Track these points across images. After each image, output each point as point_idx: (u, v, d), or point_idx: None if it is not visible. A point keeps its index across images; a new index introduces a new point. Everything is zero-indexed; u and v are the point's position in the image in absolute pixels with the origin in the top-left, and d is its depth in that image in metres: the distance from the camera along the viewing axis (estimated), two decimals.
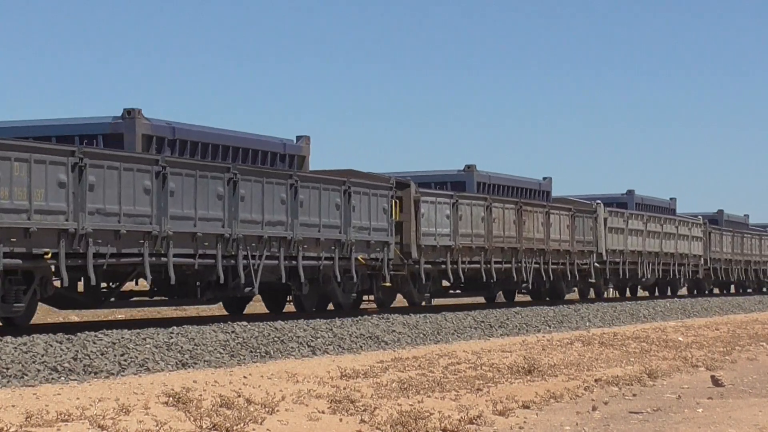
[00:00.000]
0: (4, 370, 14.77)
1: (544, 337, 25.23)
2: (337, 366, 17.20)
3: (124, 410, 12.14)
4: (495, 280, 30.51)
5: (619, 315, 33.76)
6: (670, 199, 48.80)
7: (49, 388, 13.84)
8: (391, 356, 19.40)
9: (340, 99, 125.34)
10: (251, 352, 18.69)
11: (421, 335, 23.44)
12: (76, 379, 14.93)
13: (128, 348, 17.03)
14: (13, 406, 12.09)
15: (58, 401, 12.51)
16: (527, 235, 31.89)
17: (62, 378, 14.99)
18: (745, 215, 59.09)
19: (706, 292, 51.08)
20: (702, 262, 46.09)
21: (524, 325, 27.82)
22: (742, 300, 47.34)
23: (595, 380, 17.45)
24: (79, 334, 17.59)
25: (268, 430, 12.09)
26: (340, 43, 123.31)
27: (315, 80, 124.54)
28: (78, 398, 12.76)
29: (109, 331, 18.24)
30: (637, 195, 45.59)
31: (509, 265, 30.99)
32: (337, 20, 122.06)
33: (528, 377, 17.29)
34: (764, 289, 57.27)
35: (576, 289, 38.33)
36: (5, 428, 11.03)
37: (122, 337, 17.62)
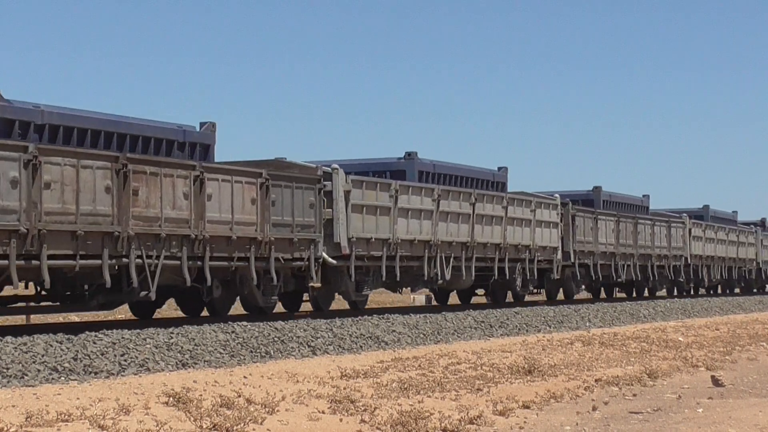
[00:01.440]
0: (5, 370, 14.77)
1: (544, 337, 25.24)
2: (337, 366, 17.21)
3: (124, 410, 12.14)
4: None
5: (619, 315, 33.77)
6: (643, 196, 47.62)
7: (49, 388, 13.85)
8: (392, 356, 19.41)
9: (252, 87, 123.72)
10: (251, 352, 18.70)
11: (422, 335, 23.45)
12: (76, 379, 14.94)
13: (128, 348, 17.03)
14: (13, 406, 12.10)
15: (59, 401, 12.52)
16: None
17: (62, 378, 14.99)
18: (733, 211, 58.39)
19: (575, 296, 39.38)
20: (558, 256, 35.02)
21: (524, 325, 27.82)
22: (742, 300, 47.33)
23: (596, 380, 17.46)
24: (79, 334, 17.59)
25: (268, 430, 12.09)
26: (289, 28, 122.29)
27: (223, 69, 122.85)
28: (78, 398, 12.77)
29: (110, 331, 18.23)
30: (605, 191, 44.14)
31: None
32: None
33: (528, 377, 17.29)
34: (682, 293, 49.53)
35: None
36: (5, 428, 11.04)
37: (122, 337, 17.62)
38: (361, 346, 20.97)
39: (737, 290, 55.22)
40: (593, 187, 42.19)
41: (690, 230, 46.08)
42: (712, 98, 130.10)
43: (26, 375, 14.79)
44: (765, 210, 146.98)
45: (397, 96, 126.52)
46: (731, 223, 54.74)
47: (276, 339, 19.86)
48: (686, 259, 45.67)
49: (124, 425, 11.45)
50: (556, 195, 35.59)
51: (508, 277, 31.46)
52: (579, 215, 36.09)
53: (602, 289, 43.67)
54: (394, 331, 23.13)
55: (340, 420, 12.88)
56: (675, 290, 49.04)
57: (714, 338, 26.81)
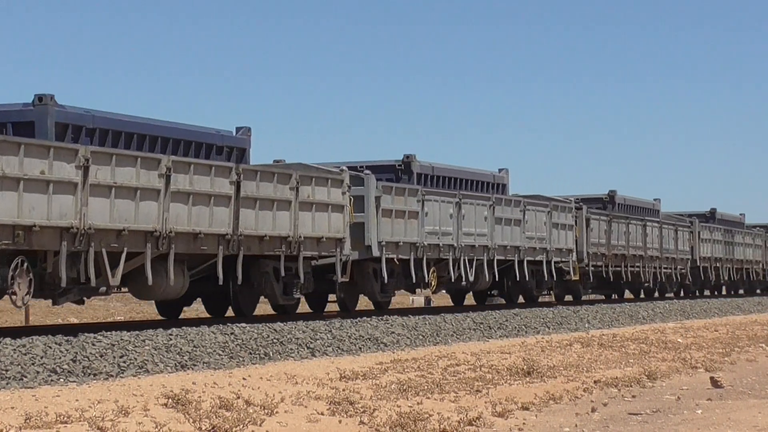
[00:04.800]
0: (4, 372, 14.77)
1: (543, 338, 25.24)
2: (336, 367, 17.21)
3: (123, 412, 12.14)
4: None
5: (618, 316, 33.77)
6: (654, 200, 47.95)
7: (48, 389, 13.85)
8: (391, 358, 19.41)
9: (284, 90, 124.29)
10: (250, 353, 18.70)
11: (420, 337, 23.45)
12: (75, 381, 14.94)
13: (127, 350, 17.03)
14: (12, 407, 12.10)
15: (58, 403, 12.51)
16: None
17: (61, 380, 14.99)
18: (741, 214, 58.43)
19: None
20: (573, 258, 35.22)
21: (523, 327, 27.83)
22: (741, 301, 47.34)
23: (595, 382, 17.45)
24: (78, 335, 17.59)
25: (267, 431, 12.09)
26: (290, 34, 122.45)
27: (259, 72, 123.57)
28: (77, 400, 12.77)
29: (108, 332, 18.23)
30: (619, 195, 44.75)
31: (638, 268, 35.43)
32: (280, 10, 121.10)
33: (527, 379, 17.30)
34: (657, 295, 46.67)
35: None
36: (5, 430, 11.04)
37: (121, 339, 17.62)
38: (360, 348, 20.97)
39: (741, 291, 55.50)
40: (609, 190, 43.18)
41: (699, 233, 46.94)
42: (719, 103, 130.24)
43: (25, 377, 14.80)
44: None
45: (397, 100, 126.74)
46: (739, 225, 55.41)
47: (275, 341, 19.86)
48: (695, 261, 46.54)
49: (123, 427, 11.44)
50: (571, 198, 36.72)
51: (527, 279, 32.34)
52: (594, 218, 37.13)
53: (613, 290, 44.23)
54: (393, 332, 23.13)
55: (339, 421, 12.88)
56: (682, 292, 49.28)
57: (713, 339, 26.81)
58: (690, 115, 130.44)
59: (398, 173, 29.55)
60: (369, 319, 24.35)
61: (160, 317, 24.87)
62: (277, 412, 12.91)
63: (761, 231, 56.35)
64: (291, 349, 19.66)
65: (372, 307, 28.30)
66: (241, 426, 11.86)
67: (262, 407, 12.98)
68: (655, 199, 46.62)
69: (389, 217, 26.19)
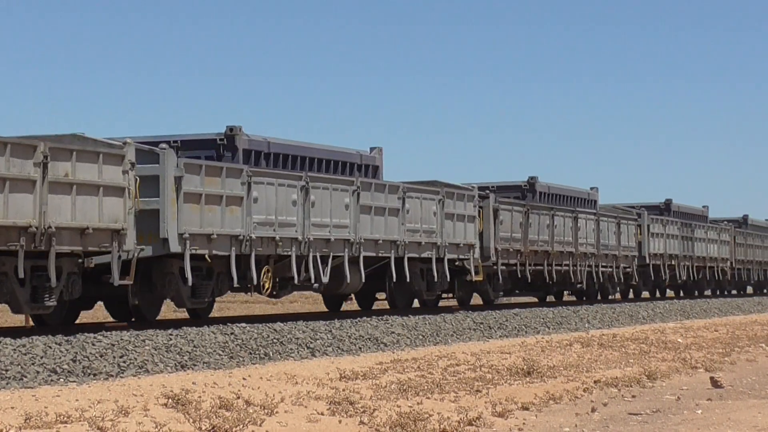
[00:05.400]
0: (3, 372, 14.77)
1: (543, 338, 25.24)
2: (336, 367, 17.21)
3: (123, 412, 12.14)
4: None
5: (618, 316, 33.77)
6: (703, 207, 48.38)
7: (48, 389, 13.85)
8: (391, 358, 19.42)
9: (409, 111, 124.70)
10: (250, 353, 18.70)
11: (420, 337, 23.45)
12: (75, 381, 14.94)
13: (127, 350, 17.03)
14: (12, 407, 12.10)
15: (58, 403, 12.52)
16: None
17: (61, 380, 14.99)
18: (704, 206, 55.38)
19: None
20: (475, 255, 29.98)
21: (523, 327, 27.83)
22: (741, 301, 47.34)
23: (594, 382, 17.45)
24: (78, 335, 17.59)
25: (267, 431, 12.09)
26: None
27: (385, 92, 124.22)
28: (77, 400, 12.77)
29: (108, 332, 18.24)
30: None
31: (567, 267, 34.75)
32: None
33: (527, 379, 17.30)
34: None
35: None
36: (5, 430, 11.04)
37: (121, 339, 17.63)
38: (360, 348, 20.97)
39: (707, 292, 50.32)
40: (529, 177, 36.49)
41: (648, 227, 40.89)
42: (717, 101, 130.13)
43: (25, 377, 14.79)
44: None
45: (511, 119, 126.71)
46: (700, 219, 49.35)
47: (275, 340, 19.86)
48: (644, 258, 40.68)
49: (123, 427, 11.44)
50: (475, 185, 31.02)
51: (409, 280, 26.81)
52: (504, 208, 31.39)
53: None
54: (393, 332, 23.13)
55: (339, 421, 12.88)
56: (630, 293, 44.59)
57: (713, 339, 26.81)
58: (728, 125, 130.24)
59: (220, 149, 23.63)
60: (369, 319, 24.34)
61: (159, 317, 24.85)
62: (277, 412, 12.91)
63: (729, 225, 50.79)
64: (291, 349, 19.67)
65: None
66: (241, 426, 11.86)
67: (262, 407, 12.98)
68: (591, 188, 40.00)
69: (197, 203, 20.83)
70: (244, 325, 20.80)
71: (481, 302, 33.85)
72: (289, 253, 22.91)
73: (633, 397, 16.29)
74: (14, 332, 18.30)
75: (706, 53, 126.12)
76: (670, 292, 49.80)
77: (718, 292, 52.10)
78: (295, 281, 23.31)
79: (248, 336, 19.72)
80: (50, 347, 16.32)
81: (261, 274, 22.46)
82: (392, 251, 26.17)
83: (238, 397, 13.56)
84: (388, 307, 28.82)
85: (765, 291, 57.95)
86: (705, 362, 21.05)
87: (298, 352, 19.55)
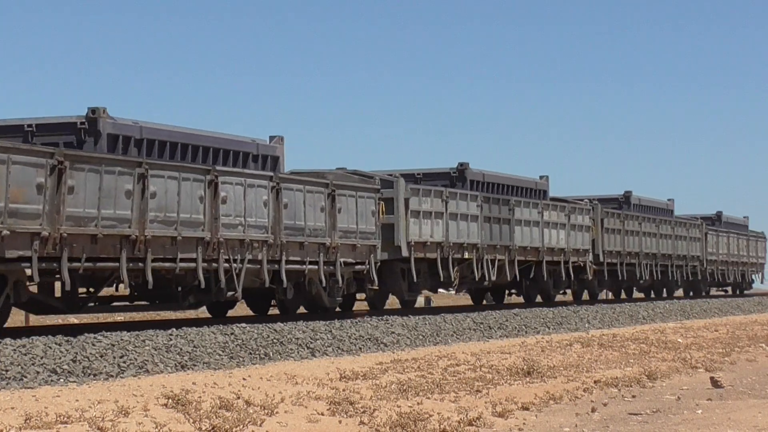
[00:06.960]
0: (4, 372, 14.77)
1: (543, 338, 25.24)
2: (336, 368, 17.21)
3: (123, 412, 12.14)
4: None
5: (618, 316, 33.79)
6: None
7: (48, 390, 13.84)
8: (391, 358, 19.41)
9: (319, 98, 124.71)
10: (250, 353, 18.70)
11: (420, 337, 23.45)
12: (75, 381, 14.94)
13: (127, 350, 17.03)
14: (12, 408, 12.09)
15: (58, 403, 12.51)
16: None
17: (61, 380, 14.99)
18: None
19: None
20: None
21: (523, 327, 27.84)
22: (741, 301, 47.36)
23: (595, 382, 17.45)
24: (78, 336, 17.59)
25: (267, 431, 12.09)
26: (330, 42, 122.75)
27: (293, 80, 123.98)
28: (77, 400, 12.77)
29: (108, 333, 18.23)
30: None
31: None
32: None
33: (527, 379, 17.30)
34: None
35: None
36: (5, 430, 11.04)
37: (121, 339, 17.62)
38: (360, 348, 20.97)
39: (679, 293, 50.00)
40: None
41: (602, 221, 37.91)
42: (730, 109, 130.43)
43: (25, 377, 14.79)
44: None
45: (451, 110, 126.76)
46: (664, 213, 46.34)
47: (275, 341, 19.86)
48: (598, 257, 38.00)
49: (123, 427, 11.44)
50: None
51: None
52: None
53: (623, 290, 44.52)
54: (393, 332, 23.13)
55: (339, 422, 12.88)
56: (692, 292, 49.29)
57: (713, 339, 26.81)
58: (698, 117, 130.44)
59: (81, 134, 20.31)
60: (369, 319, 24.34)
61: (160, 318, 24.87)
62: (277, 413, 12.91)
63: (698, 221, 48.71)
64: (291, 349, 19.67)
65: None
66: (241, 426, 11.86)
67: (262, 407, 12.98)
68: (541, 177, 36.18)
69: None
70: (244, 325, 20.80)
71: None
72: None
73: (633, 397, 16.28)
74: (14, 332, 18.30)
75: (681, 51, 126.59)
76: (639, 294, 47.93)
77: (691, 294, 49.99)
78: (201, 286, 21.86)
79: (248, 336, 19.72)
80: (50, 347, 16.32)
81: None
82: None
83: (238, 398, 13.56)
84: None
85: (738, 292, 56.55)
86: (705, 362, 21.05)
87: (298, 352, 19.55)
